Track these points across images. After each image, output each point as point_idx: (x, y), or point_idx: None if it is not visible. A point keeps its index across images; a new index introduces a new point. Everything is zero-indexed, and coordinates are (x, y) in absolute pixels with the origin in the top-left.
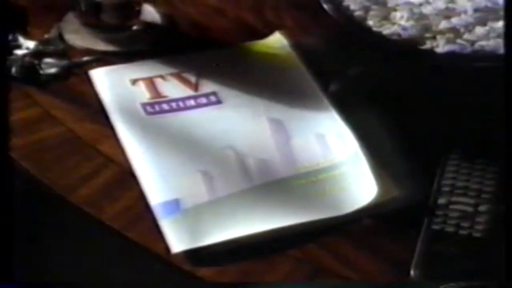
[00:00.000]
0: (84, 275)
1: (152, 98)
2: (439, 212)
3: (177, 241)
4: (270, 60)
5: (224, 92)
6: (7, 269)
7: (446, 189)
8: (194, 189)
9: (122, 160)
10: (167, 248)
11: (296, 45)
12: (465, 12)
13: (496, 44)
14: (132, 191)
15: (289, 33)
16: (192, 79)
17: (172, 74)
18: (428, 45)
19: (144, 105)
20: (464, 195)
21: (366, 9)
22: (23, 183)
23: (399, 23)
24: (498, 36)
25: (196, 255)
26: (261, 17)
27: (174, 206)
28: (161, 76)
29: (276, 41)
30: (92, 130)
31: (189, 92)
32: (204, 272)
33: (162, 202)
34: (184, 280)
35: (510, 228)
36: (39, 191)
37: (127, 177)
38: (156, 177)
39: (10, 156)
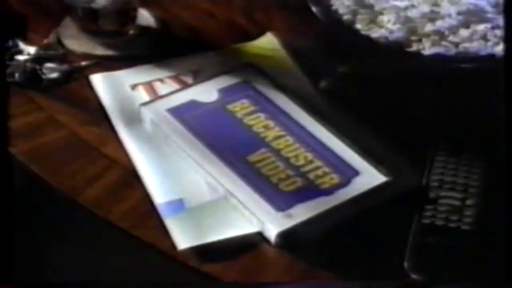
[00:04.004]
0: (84, 275)
1: None
2: (429, 207)
3: (183, 238)
4: (263, 61)
5: None
6: (7, 269)
7: (435, 184)
8: (196, 189)
9: (126, 161)
10: (173, 246)
11: (287, 45)
12: (449, 15)
13: (479, 45)
14: (137, 192)
15: (280, 34)
16: (190, 81)
17: (170, 77)
18: (414, 47)
19: None
20: (452, 189)
21: (354, 13)
22: (23, 184)
23: (386, 27)
24: (481, 38)
25: (201, 252)
26: (251, 19)
27: (179, 205)
28: (160, 80)
29: (268, 41)
30: (95, 133)
31: None
32: (209, 267)
33: (166, 202)
34: (189, 276)
35: (510, 227)
36: (40, 192)
37: (131, 178)
38: (159, 178)
39: (10, 157)
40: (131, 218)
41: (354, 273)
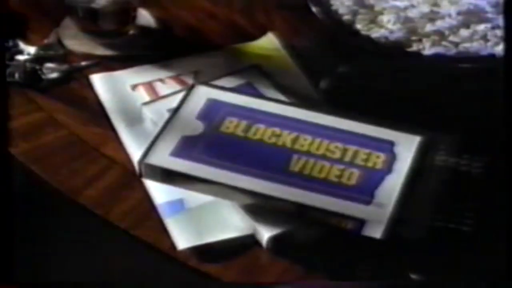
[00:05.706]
0: (84, 275)
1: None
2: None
3: (183, 238)
4: (264, 61)
5: None
6: (7, 269)
7: None
8: None
9: (126, 161)
10: (173, 246)
11: (287, 45)
12: (449, 15)
13: (479, 45)
14: (137, 192)
15: (280, 34)
16: (190, 81)
17: (170, 77)
18: (414, 47)
19: None
20: (452, 189)
21: (354, 13)
22: (23, 184)
23: (386, 27)
24: (481, 38)
25: (201, 252)
26: (252, 19)
27: (179, 205)
28: (160, 80)
29: (269, 42)
30: (95, 133)
31: None
32: (209, 267)
33: (166, 202)
34: (189, 276)
35: (510, 227)
36: (39, 192)
37: (131, 178)
38: None
39: (10, 158)
40: (131, 218)
41: (352, 274)
